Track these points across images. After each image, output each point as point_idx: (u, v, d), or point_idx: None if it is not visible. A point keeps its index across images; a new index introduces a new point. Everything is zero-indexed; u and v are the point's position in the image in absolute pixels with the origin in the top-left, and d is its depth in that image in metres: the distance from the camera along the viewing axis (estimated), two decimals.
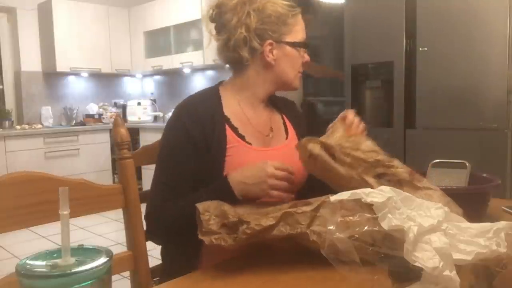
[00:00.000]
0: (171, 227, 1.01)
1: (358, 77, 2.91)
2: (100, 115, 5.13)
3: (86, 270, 0.48)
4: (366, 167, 0.89)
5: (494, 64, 2.35)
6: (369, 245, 0.66)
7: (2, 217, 0.85)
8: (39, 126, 4.61)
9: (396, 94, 2.71)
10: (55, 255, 0.51)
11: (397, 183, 0.85)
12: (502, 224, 0.65)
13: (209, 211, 0.80)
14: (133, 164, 1.10)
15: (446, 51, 2.50)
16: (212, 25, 1.13)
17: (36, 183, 0.90)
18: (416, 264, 0.59)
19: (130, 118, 5.06)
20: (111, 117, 4.97)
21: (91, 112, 5.16)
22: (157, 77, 5.66)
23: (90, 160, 4.72)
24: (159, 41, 5.05)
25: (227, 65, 1.16)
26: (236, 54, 1.09)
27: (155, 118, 5.16)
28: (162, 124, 4.67)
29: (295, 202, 0.82)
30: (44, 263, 0.50)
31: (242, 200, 0.98)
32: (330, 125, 1.08)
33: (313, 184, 1.03)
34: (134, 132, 4.61)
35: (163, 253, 1.14)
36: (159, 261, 1.18)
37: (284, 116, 1.23)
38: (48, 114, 4.82)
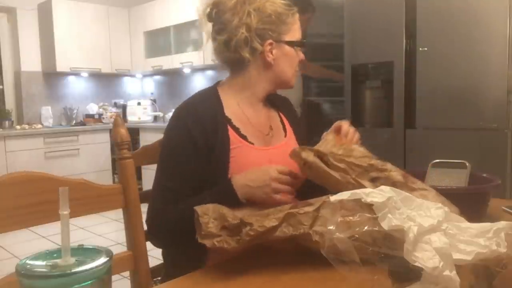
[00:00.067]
0: (174, 231, 1.00)
1: (358, 77, 2.90)
2: (100, 115, 5.14)
3: (86, 270, 0.48)
4: (360, 172, 0.90)
5: (494, 64, 2.35)
6: (369, 245, 0.67)
7: (2, 217, 0.85)
8: (39, 126, 4.61)
9: (396, 94, 2.71)
10: (55, 255, 0.51)
11: (392, 185, 0.85)
12: (502, 224, 0.65)
13: (208, 214, 0.80)
14: (133, 164, 1.10)
15: (446, 51, 2.50)
16: (209, 24, 1.12)
17: (36, 183, 0.90)
18: (416, 264, 0.59)
19: (130, 118, 5.06)
20: (111, 117, 4.98)
21: (91, 112, 5.16)
22: (157, 77, 5.66)
23: (90, 160, 4.72)
24: (159, 41, 5.05)
25: (224, 66, 1.16)
26: (237, 55, 1.08)
27: (155, 118, 5.16)
28: (162, 124, 4.67)
29: (295, 203, 0.82)
30: (44, 263, 0.50)
31: (242, 204, 0.98)
32: (323, 135, 1.09)
33: (313, 184, 1.03)
34: (134, 132, 4.61)
35: (164, 254, 1.14)
36: (159, 261, 1.18)
37: (280, 114, 1.24)
38: (48, 114, 4.82)
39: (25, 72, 4.79)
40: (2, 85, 4.81)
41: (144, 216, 1.08)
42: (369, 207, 0.70)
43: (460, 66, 2.45)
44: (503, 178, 2.30)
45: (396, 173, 0.90)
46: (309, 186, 1.06)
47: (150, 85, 5.78)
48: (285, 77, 1.14)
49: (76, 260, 0.50)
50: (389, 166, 0.92)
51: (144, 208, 1.08)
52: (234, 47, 1.07)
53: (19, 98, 4.84)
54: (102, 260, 0.50)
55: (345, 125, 1.10)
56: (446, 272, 0.58)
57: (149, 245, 1.08)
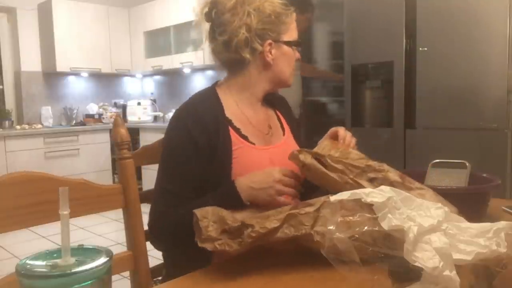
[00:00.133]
0: (177, 234, 0.99)
1: (358, 77, 2.90)
2: (100, 115, 5.13)
3: (86, 270, 0.48)
4: (358, 173, 0.91)
5: (494, 64, 2.35)
6: (369, 245, 0.67)
7: (2, 217, 0.85)
8: (39, 126, 4.61)
9: (396, 94, 2.71)
10: (55, 255, 0.51)
11: (389, 185, 0.86)
12: (502, 224, 0.65)
13: (207, 217, 0.80)
14: (133, 164, 1.09)
15: (446, 51, 2.50)
16: (207, 24, 1.12)
17: (36, 183, 0.90)
18: (416, 264, 0.59)
19: (130, 118, 5.06)
20: (111, 117, 4.98)
21: (91, 112, 5.16)
22: (157, 77, 5.66)
23: (90, 160, 4.72)
24: (159, 41, 5.05)
25: (222, 66, 1.16)
26: (238, 55, 1.08)
27: (155, 118, 5.16)
28: (162, 124, 4.67)
29: (295, 204, 0.82)
30: (44, 263, 0.50)
31: (247, 205, 0.98)
32: (320, 141, 1.09)
33: (311, 185, 1.04)
34: (134, 132, 4.61)
35: (165, 255, 1.14)
36: (159, 261, 1.18)
37: (278, 112, 1.24)
38: (48, 114, 4.82)
39: (25, 72, 4.79)
40: (2, 85, 4.81)
41: (144, 216, 1.08)
42: (369, 207, 0.70)
43: (460, 66, 2.45)
44: (503, 178, 2.30)
45: (393, 174, 0.91)
46: (306, 186, 1.06)
47: (150, 85, 5.78)
48: (283, 77, 1.15)
49: (76, 260, 0.50)
50: (385, 166, 0.93)
51: (144, 208, 1.08)
52: (234, 47, 1.07)
53: (19, 98, 4.84)
54: (102, 260, 0.50)
55: (341, 130, 1.12)
56: (446, 272, 0.58)
57: (149, 245, 1.08)
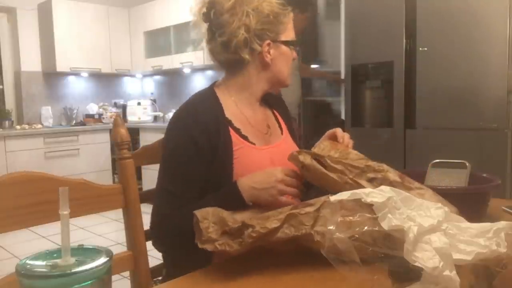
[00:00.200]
0: (180, 235, 0.98)
1: (358, 77, 2.90)
2: (100, 115, 5.14)
3: (86, 270, 0.48)
4: (357, 173, 0.91)
5: (494, 64, 2.35)
6: (369, 245, 0.67)
7: (2, 217, 0.85)
8: (39, 126, 4.61)
9: (396, 94, 2.71)
10: (55, 255, 0.51)
11: (389, 185, 0.86)
12: (502, 224, 0.65)
13: (208, 219, 0.80)
14: (133, 164, 1.09)
15: (446, 51, 2.50)
16: (205, 24, 1.12)
17: (36, 183, 0.90)
18: (416, 264, 0.59)
19: (130, 118, 5.06)
20: (111, 117, 4.98)
21: (91, 112, 5.16)
22: (157, 77, 5.66)
23: (90, 160, 4.72)
24: (159, 41, 5.05)
25: (221, 66, 1.16)
26: (237, 56, 1.08)
27: (155, 118, 5.16)
28: (162, 124, 4.67)
29: (295, 204, 0.82)
30: (44, 263, 0.50)
31: (249, 206, 0.98)
32: (317, 143, 1.10)
33: (310, 185, 1.04)
34: (134, 132, 4.61)
35: (165, 256, 1.14)
36: (159, 261, 1.18)
37: (275, 112, 1.25)
38: (48, 114, 4.82)
39: (25, 72, 4.79)
40: (2, 85, 4.81)
41: (144, 216, 1.08)
42: (369, 207, 0.70)
43: (460, 66, 2.45)
44: (503, 178, 2.30)
45: (392, 174, 0.91)
46: (306, 186, 1.06)
47: (150, 85, 5.78)
48: (282, 76, 1.15)
49: (76, 260, 0.50)
50: (385, 166, 0.93)
51: (144, 208, 1.08)
52: (233, 48, 1.07)
53: (19, 98, 4.84)
54: (102, 260, 0.50)
55: (339, 130, 1.12)
56: (446, 272, 0.58)
57: (149, 245, 1.08)
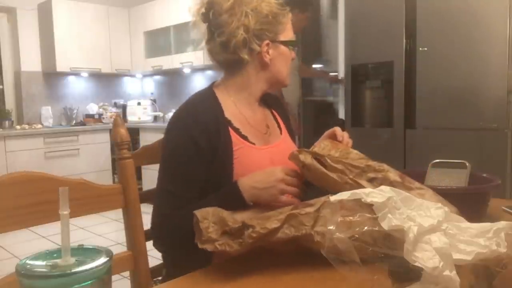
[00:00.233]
0: (181, 235, 0.98)
1: (358, 77, 2.90)
2: (100, 115, 5.14)
3: (86, 270, 0.48)
4: (358, 173, 0.90)
5: (494, 64, 2.35)
6: (369, 245, 0.67)
7: (2, 217, 0.85)
8: (39, 126, 4.61)
9: (396, 94, 2.71)
10: (55, 255, 0.51)
11: (389, 185, 0.86)
12: (502, 224, 0.65)
13: (208, 219, 0.80)
14: (132, 164, 1.09)
15: (446, 51, 2.50)
16: (203, 25, 1.12)
17: (36, 183, 0.90)
18: (416, 264, 0.59)
19: (130, 118, 5.06)
20: (111, 117, 4.98)
21: (91, 112, 5.16)
22: (157, 77, 5.66)
23: (90, 160, 4.72)
24: (159, 41, 5.05)
25: (220, 66, 1.16)
26: (236, 56, 1.08)
27: (155, 118, 5.16)
28: (162, 124, 4.67)
29: (295, 204, 0.82)
30: (44, 263, 0.50)
31: (249, 206, 0.98)
32: (316, 143, 1.10)
33: (310, 185, 1.04)
34: (134, 132, 4.61)
35: (164, 256, 1.13)
36: (159, 261, 1.18)
37: (273, 112, 1.25)
38: (48, 114, 4.82)
39: (25, 72, 4.79)
40: (2, 85, 4.81)
41: (144, 216, 1.08)
42: (369, 207, 0.70)
43: (460, 66, 2.45)
44: (503, 178, 2.30)
45: (393, 174, 0.91)
46: (306, 185, 1.06)
47: (150, 85, 5.78)
48: (281, 76, 1.15)
49: (76, 260, 0.50)
50: (385, 166, 0.93)
51: (144, 208, 1.07)
52: (232, 48, 1.07)
53: (19, 98, 4.84)
54: (102, 260, 0.50)
55: (338, 130, 1.12)
56: (446, 272, 0.58)
57: (148, 245, 1.08)
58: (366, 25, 2.82)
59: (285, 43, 1.12)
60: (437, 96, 2.55)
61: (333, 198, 0.75)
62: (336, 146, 1.02)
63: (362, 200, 0.71)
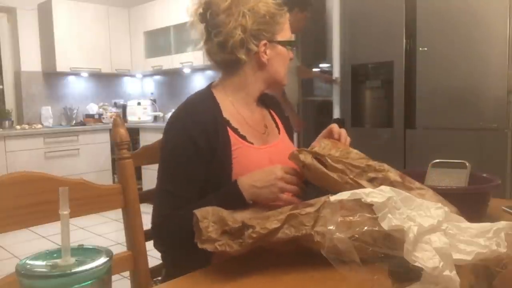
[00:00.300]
0: (182, 235, 0.97)
1: (358, 77, 2.91)
2: (100, 115, 5.14)
3: (86, 270, 0.48)
4: (358, 173, 0.90)
5: (494, 64, 2.35)
6: (369, 245, 0.67)
7: (2, 217, 0.85)
8: (39, 126, 4.61)
9: (396, 94, 2.71)
10: (55, 255, 0.51)
11: (390, 185, 0.86)
12: (502, 224, 0.65)
13: (207, 218, 0.80)
14: (132, 164, 1.09)
15: (446, 51, 2.50)
16: (201, 25, 1.12)
17: (36, 183, 0.90)
18: (416, 264, 0.59)
19: (130, 118, 5.06)
20: (111, 117, 4.97)
21: (91, 112, 5.16)
22: (157, 77, 5.66)
23: (90, 160, 4.72)
24: (159, 41, 5.05)
25: (217, 66, 1.16)
26: (233, 56, 1.09)
27: (155, 118, 5.16)
28: (162, 124, 4.67)
29: (295, 204, 0.82)
30: (44, 263, 0.50)
31: (248, 205, 0.98)
32: (313, 143, 1.10)
33: (310, 184, 1.04)
34: (134, 132, 4.61)
35: (164, 256, 1.13)
36: (159, 261, 1.18)
37: (271, 112, 1.25)
38: (48, 114, 4.82)
39: (25, 72, 4.79)
40: (2, 85, 4.81)
41: (144, 216, 1.08)
42: (369, 207, 0.70)
43: (460, 66, 2.45)
44: (503, 178, 2.30)
45: (393, 173, 0.91)
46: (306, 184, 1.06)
47: (150, 85, 5.78)
48: (278, 76, 1.15)
49: (76, 260, 0.50)
50: (386, 166, 0.93)
51: (144, 208, 1.07)
52: (230, 48, 1.07)
53: (19, 98, 4.84)
54: (102, 260, 0.50)
55: (335, 127, 1.12)
56: (446, 272, 0.58)
57: (148, 245, 1.08)
58: (366, 25, 2.82)
59: (282, 43, 1.12)
60: (437, 96, 2.55)
61: (333, 198, 0.75)
62: (336, 145, 1.02)
63: (362, 200, 0.71)
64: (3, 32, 4.76)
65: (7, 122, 4.53)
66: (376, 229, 0.68)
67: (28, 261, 0.50)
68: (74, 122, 4.96)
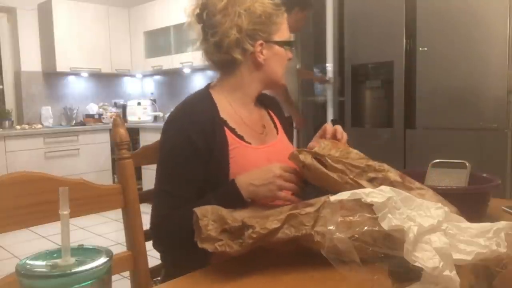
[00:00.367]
0: (181, 235, 0.97)
1: (358, 77, 2.91)
2: (100, 115, 5.14)
3: (86, 270, 0.48)
4: (358, 173, 0.90)
5: (494, 64, 2.35)
6: (369, 245, 0.67)
7: (2, 217, 0.85)
8: (39, 126, 4.61)
9: (396, 94, 2.71)
10: (55, 255, 0.51)
11: (390, 185, 0.86)
12: (502, 224, 0.65)
13: (207, 216, 0.80)
14: (132, 164, 1.09)
15: (446, 51, 2.50)
16: (198, 25, 1.12)
17: (36, 183, 0.90)
18: (416, 264, 0.59)
19: (130, 118, 5.06)
20: (111, 117, 4.97)
21: (91, 112, 5.16)
22: (157, 77, 5.66)
23: (90, 160, 4.72)
24: (159, 41, 5.05)
25: (215, 67, 1.16)
26: (229, 56, 1.09)
27: (155, 118, 5.16)
28: (162, 124, 4.67)
29: (295, 204, 0.82)
30: (44, 263, 0.50)
31: (247, 203, 0.98)
32: (310, 143, 1.09)
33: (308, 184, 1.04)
34: (134, 132, 4.61)
35: (163, 256, 1.13)
36: (159, 261, 1.18)
37: (270, 112, 1.25)
38: (48, 114, 4.82)
39: (25, 72, 4.79)
40: (2, 85, 4.81)
41: (143, 216, 1.08)
42: (369, 207, 0.70)
43: (460, 66, 2.45)
44: (503, 178, 2.31)
45: (393, 173, 0.91)
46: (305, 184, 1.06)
47: (150, 85, 5.78)
48: (275, 77, 1.15)
49: (76, 260, 0.50)
50: (386, 166, 0.93)
51: (143, 208, 1.07)
52: (225, 48, 1.07)
53: (19, 98, 4.84)
54: (102, 260, 0.50)
55: (328, 127, 1.10)
56: (446, 272, 0.58)
57: (148, 245, 1.08)
58: (366, 25, 2.83)
59: (279, 43, 1.12)
60: (437, 96, 2.55)
61: (333, 198, 0.75)
62: (336, 146, 1.02)
63: (362, 200, 0.71)
64: (3, 32, 4.76)
65: (7, 122, 4.53)
66: (376, 229, 0.68)
67: (28, 261, 0.50)
68: (74, 122, 4.96)
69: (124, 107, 5.23)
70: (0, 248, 3.31)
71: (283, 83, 1.18)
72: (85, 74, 5.22)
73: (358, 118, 2.94)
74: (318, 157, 0.94)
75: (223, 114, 1.09)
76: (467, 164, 1.11)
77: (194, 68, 4.89)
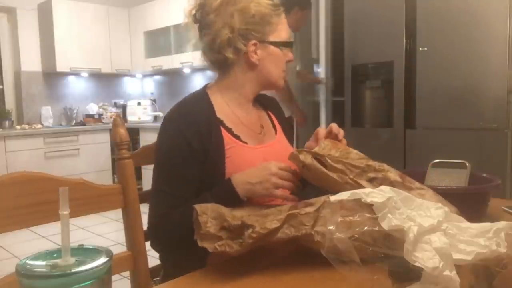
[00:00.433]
0: (179, 234, 0.98)
1: (358, 77, 2.91)
2: (100, 115, 5.14)
3: (86, 270, 0.48)
4: (358, 173, 0.90)
5: (494, 64, 2.35)
6: (369, 245, 0.67)
7: (2, 217, 0.85)
8: (39, 126, 4.61)
9: (396, 94, 2.71)
10: (55, 255, 0.51)
11: (390, 185, 0.86)
12: (502, 224, 0.65)
13: (207, 213, 0.80)
14: (132, 164, 1.09)
15: (446, 51, 2.50)
16: (195, 26, 1.13)
17: (36, 183, 0.90)
18: (416, 264, 0.59)
19: (130, 118, 5.06)
20: (111, 117, 4.97)
21: (91, 112, 5.17)
22: (157, 77, 5.66)
23: (90, 160, 4.72)
24: (159, 41, 5.05)
25: (212, 66, 1.16)
26: (221, 56, 1.09)
27: (155, 118, 5.16)
28: None
29: (295, 203, 0.82)
30: (44, 263, 0.50)
31: (244, 202, 0.98)
32: (307, 144, 1.09)
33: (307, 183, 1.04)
34: (134, 132, 4.61)
35: (162, 256, 1.13)
36: (159, 261, 1.18)
37: (269, 113, 1.25)
38: (48, 114, 4.82)
39: (25, 72, 4.79)
40: (2, 85, 4.81)
41: (143, 216, 1.08)
42: (369, 207, 0.70)
43: (460, 66, 2.45)
44: (503, 178, 2.30)
45: (393, 173, 0.91)
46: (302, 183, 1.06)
47: (150, 85, 5.78)
48: (271, 78, 1.14)
49: (76, 260, 0.50)
50: (386, 166, 0.93)
51: (143, 208, 1.07)
52: (217, 48, 1.08)
53: (19, 98, 4.84)
54: (102, 260, 0.50)
55: (320, 129, 1.10)
56: (446, 272, 0.58)
57: (148, 245, 1.08)
58: (366, 25, 2.82)
59: (275, 43, 1.11)
60: (437, 96, 2.55)
61: (333, 198, 0.75)
62: (336, 146, 1.02)
63: (362, 200, 0.71)
64: (3, 32, 4.76)
65: (7, 122, 4.53)
66: (376, 229, 0.68)
67: (28, 261, 0.50)
68: (74, 122, 4.96)
69: (124, 107, 5.24)
70: (0, 248, 3.31)
71: (280, 84, 1.16)
72: (85, 74, 5.22)
73: (358, 118, 2.94)
74: (318, 157, 0.94)
75: (219, 114, 1.09)
76: (467, 164, 1.11)
77: (194, 68, 4.89)
